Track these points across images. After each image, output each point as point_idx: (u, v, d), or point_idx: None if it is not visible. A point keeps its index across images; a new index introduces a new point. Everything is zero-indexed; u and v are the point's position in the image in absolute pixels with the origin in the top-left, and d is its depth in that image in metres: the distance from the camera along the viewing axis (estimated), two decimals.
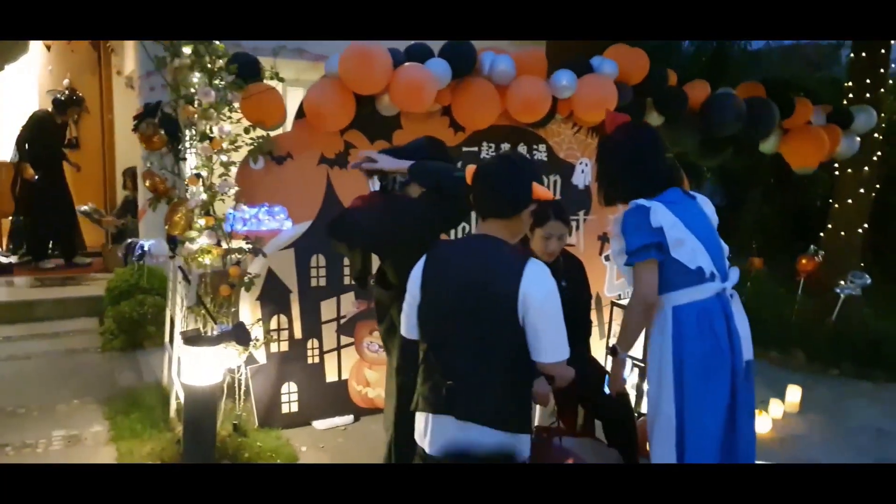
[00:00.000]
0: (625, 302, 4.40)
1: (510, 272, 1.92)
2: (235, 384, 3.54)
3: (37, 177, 6.27)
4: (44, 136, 6.38)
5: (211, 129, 2.98)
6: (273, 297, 3.75)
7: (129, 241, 4.46)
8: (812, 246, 5.91)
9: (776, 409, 4.34)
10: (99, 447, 3.50)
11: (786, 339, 5.60)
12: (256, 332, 3.60)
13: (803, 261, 5.84)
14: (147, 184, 3.47)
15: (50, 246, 6.54)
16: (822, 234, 6.04)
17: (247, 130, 3.38)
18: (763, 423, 4.12)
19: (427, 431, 2.08)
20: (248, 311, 3.70)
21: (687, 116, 4.77)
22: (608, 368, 2.71)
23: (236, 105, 3.31)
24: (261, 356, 3.75)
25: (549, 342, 1.94)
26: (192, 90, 2.92)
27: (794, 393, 4.48)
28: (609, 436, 3.18)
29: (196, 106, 2.91)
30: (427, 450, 2.08)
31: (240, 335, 3.18)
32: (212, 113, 2.93)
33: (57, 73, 7.38)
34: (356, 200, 2.82)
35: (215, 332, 3.21)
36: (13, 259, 6.46)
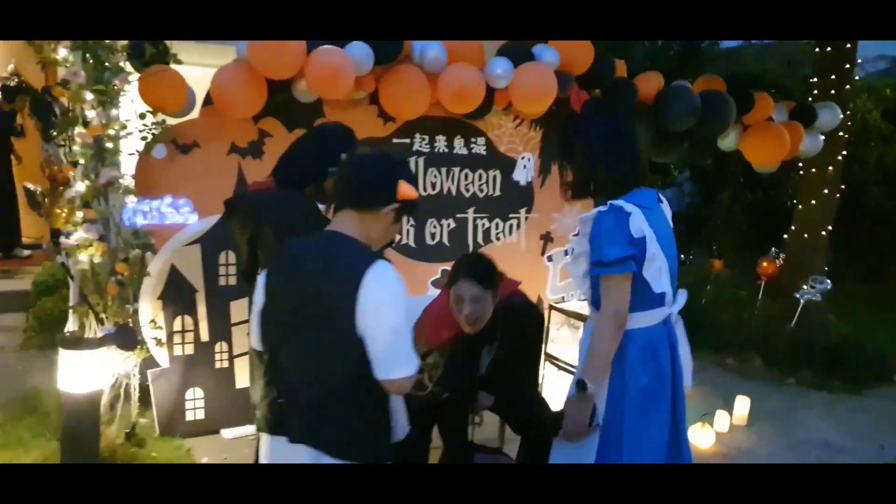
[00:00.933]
0: (567, 305, 4.16)
1: (350, 276, 1.65)
2: (130, 389, 3.28)
3: None
4: None
5: (83, 114, 2.71)
6: (176, 297, 3.48)
7: (55, 231, 4.20)
8: (773, 248, 5.68)
9: (722, 421, 4.11)
10: None
11: (743, 344, 5.38)
12: (155, 333, 3.35)
13: (764, 263, 5.62)
14: (46, 173, 3.22)
15: None
16: (785, 236, 5.81)
17: (142, 116, 3.12)
18: (706, 437, 3.89)
19: (264, 453, 1.85)
20: (150, 310, 3.43)
21: (638, 110, 4.53)
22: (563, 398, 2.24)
23: (129, 88, 3.05)
24: (164, 360, 3.50)
25: (383, 355, 1.66)
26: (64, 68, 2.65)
27: (742, 404, 4.25)
28: (522, 451, 2.96)
29: (65, 88, 2.64)
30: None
31: (123, 338, 2.93)
32: (82, 95, 2.66)
33: (0, 60, 7.08)
34: (257, 184, 2.58)
35: (99, 335, 2.96)
36: None
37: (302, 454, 1.73)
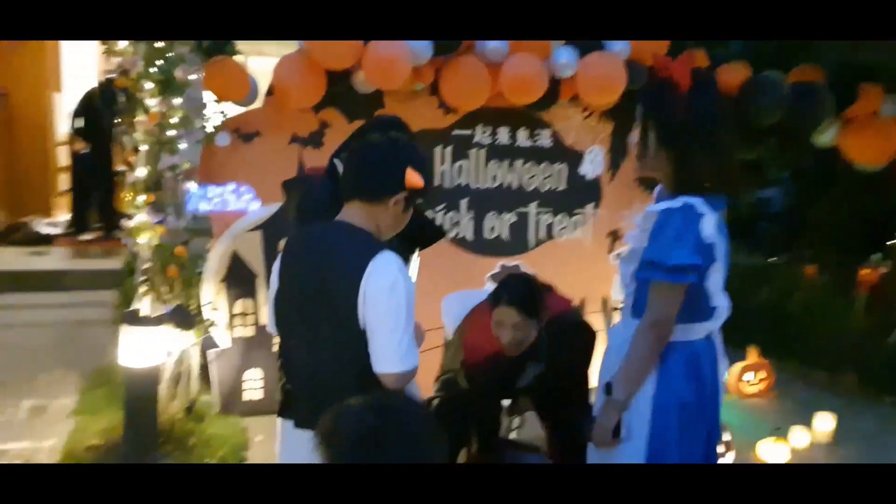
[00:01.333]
0: None
1: (354, 265, 1.64)
2: (190, 367, 3.44)
3: (86, 150, 6.45)
4: (98, 112, 6.56)
5: (143, 102, 2.85)
6: (238, 281, 3.62)
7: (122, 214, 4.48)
8: (877, 254, 5.20)
9: (801, 437, 3.81)
10: (57, 420, 3.51)
11: (836, 358, 4.96)
12: (212, 315, 3.50)
13: (865, 271, 5.14)
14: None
15: (92, 217, 6.75)
16: (889, 242, 5.31)
17: (203, 106, 3.26)
18: (779, 453, 3.62)
19: (278, 435, 1.89)
20: (212, 293, 3.59)
21: (720, 103, 4.26)
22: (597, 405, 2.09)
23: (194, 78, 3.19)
24: (226, 340, 3.65)
25: (380, 347, 1.64)
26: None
27: (824, 421, 3.92)
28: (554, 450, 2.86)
29: (126, 77, 2.79)
30: (279, 459, 1.89)
31: (179, 318, 3.07)
32: (141, 84, 2.80)
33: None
34: (313, 169, 2.60)
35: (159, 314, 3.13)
36: (55, 230, 6.72)
37: (306, 439, 1.69)
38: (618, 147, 4.29)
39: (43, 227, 6.90)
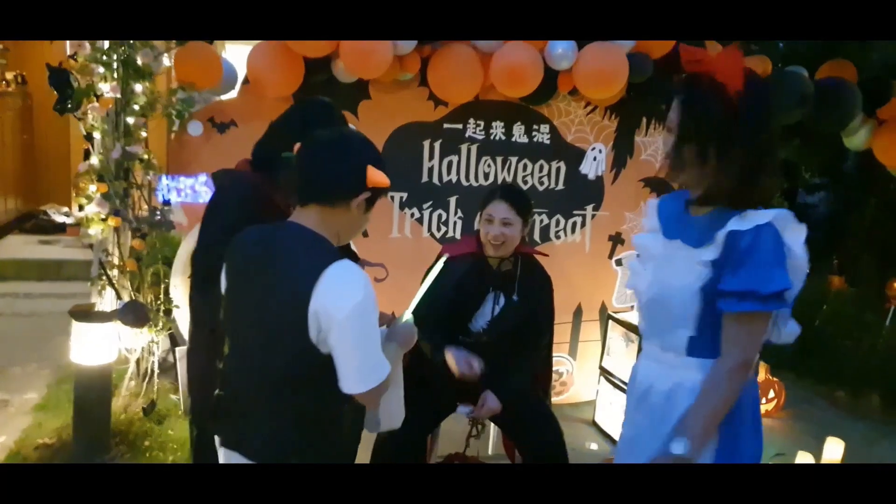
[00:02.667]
0: (626, 316, 3.73)
1: (302, 277, 1.48)
2: (149, 365, 3.30)
3: None
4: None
5: (93, 87, 2.69)
6: None
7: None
8: None
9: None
10: (16, 416, 3.39)
11: (860, 376, 4.60)
12: (181, 312, 3.34)
13: (894, 285, 4.77)
14: None
15: None
16: None
17: (172, 93, 3.10)
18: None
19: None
20: (181, 289, 3.43)
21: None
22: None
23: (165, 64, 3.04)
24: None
25: (354, 369, 1.52)
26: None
27: (833, 448, 3.59)
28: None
29: (75, 60, 2.64)
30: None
31: (131, 314, 2.91)
32: (91, 68, 2.65)
33: None
34: (241, 163, 2.40)
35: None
36: (67, 220, 6.71)
37: (236, 459, 1.62)
38: (623, 144, 4.01)
39: (58, 215, 6.89)
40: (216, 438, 1.69)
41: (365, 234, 3.65)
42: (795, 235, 1.54)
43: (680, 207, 1.72)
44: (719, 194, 1.59)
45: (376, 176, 1.58)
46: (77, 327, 2.89)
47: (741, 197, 1.58)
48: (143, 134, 2.97)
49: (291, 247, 1.55)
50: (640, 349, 1.88)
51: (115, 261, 3.04)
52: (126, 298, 3.02)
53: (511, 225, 2.57)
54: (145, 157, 2.96)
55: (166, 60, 3.17)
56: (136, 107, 2.92)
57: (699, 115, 1.60)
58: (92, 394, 2.96)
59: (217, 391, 1.68)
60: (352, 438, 1.85)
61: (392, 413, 1.81)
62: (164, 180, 3.27)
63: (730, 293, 1.53)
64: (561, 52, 3.45)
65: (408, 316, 1.80)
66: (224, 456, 1.67)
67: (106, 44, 2.78)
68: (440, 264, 1.97)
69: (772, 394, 4.18)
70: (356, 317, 1.48)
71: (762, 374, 4.17)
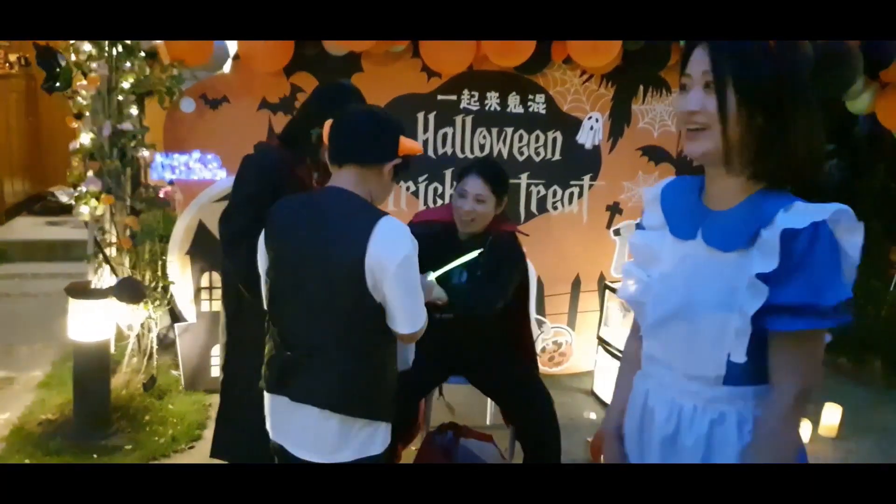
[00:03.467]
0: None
1: (356, 233, 1.63)
2: (149, 341, 3.34)
3: None
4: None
5: (84, 65, 2.70)
6: (204, 253, 3.47)
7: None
8: None
9: (804, 430, 3.49)
10: (21, 393, 3.45)
11: (864, 342, 4.57)
12: (179, 289, 3.38)
13: None
14: None
15: None
16: None
17: (164, 69, 3.09)
18: None
19: (269, 414, 1.84)
20: (178, 265, 3.46)
21: None
22: None
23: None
24: (192, 315, 3.53)
25: (405, 312, 1.69)
26: None
27: (831, 413, 3.59)
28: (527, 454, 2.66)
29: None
30: (272, 436, 1.83)
31: (126, 291, 2.95)
32: (79, 46, 2.64)
33: None
34: (262, 144, 2.50)
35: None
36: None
37: (303, 413, 1.72)
38: (620, 113, 3.97)
39: (65, 196, 6.94)
40: (278, 399, 1.77)
41: None
42: (854, 237, 1.21)
43: (692, 198, 1.37)
44: (780, 171, 1.24)
45: (409, 143, 1.75)
46: (74, 304, 2.92)
47: (808, 175, 1.26)
48: (134, 111, 2.96)
49: (340, 206, 1.68)
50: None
51: (112, 238, 3.06)
52: (122, 275, 3.04)
53: (484, 202, 2.48)
54: (137, 134, 2.95)
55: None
56: (127, 84, 2.90)
57: (737, 67, 1.22)
58: (91, 370, 3.00)
59: (282, 352, 1.75)
60: (395, 379, 1.91)
61: (408, 356, 2.14)
62: (159, 158, 3.29)
63: (783, 308, 1.19)
64: None
65: (432, 276, 2.11)
66: (287, 409, 1.75)
67: None
68: (474, 253, 2.23)
69: None
70: (406, 266, 1.65)
71: None
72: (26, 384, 3.54)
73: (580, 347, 4.09)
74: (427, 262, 2.50)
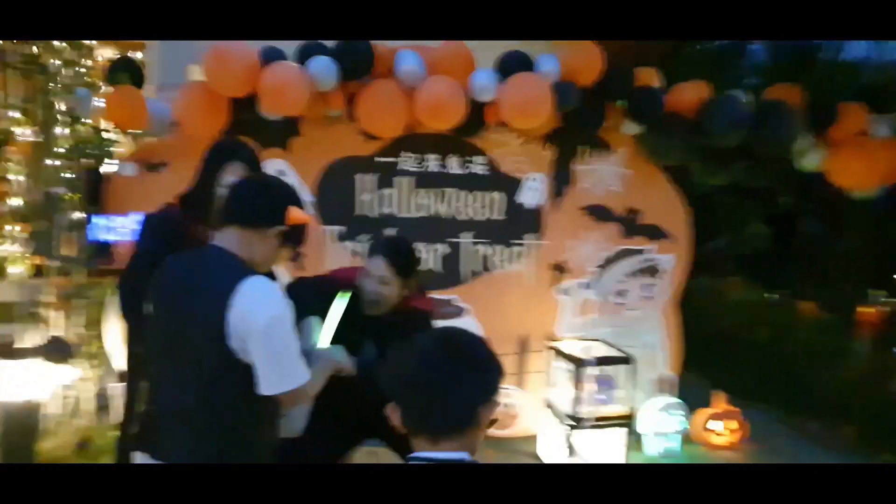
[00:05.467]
0: (564, 345, 3.68)
1: (221, 290, 1.62)
2: (79, 401, 3.35)
3: None
4: None
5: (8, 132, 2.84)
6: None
7: None
8: (880, 291, 4.66)
9: None
10: None
11: (833, 406, 4.42)
12: (113, 349, 3.41)
13: (866, 310, 4.61)
14: None
15: None
16: None
17: (98, 135, 3.24)
18: None
19: None
20: (116, 326, 3.51)
21: (677, 123, 3.95)
22: None
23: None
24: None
25: (271, 373, 1.65)
26: None
27: None
28: None
29: None
30: None
31: (53, 350, 2.99)
32: (2, 113, 2.79)
33: None
34: (167, 205, 2.54)
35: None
36: None
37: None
38: (561, 174, 4.02)
39: None
40: (140, 455, 1.76)
41: (303, 269, 3.70)
42: None
43: None
44: None
45: (297, 213, 1.78)
46: (1, 363, 2.97)
47: None
48: (69, 174, 3.08)
49: (211, 264, 1.71)
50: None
51: (46, 299, 3.13)
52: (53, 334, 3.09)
53: (387, 284, 2.36)
54: (67, 197, 3.06)
55: (97, 103, 3.30)
56: (62, 150, 3.04)
57: None
58: (16, 430, 3.01)
59: (144, 413, 1.77)
60: (270, 444, 1.88)
61: (294, 423, 2.06)
62: (94, 220, 3.38)
63: None
64: (483, 83, 3.51)
65: (323, 346, 2.07)
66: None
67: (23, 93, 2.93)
68: (342, 301, 2.12)
69: (735, 424, 4.04)
70: (273, 326, 1.63)
71: (722, 404, 4.04)
72: None
73: (529, 409, 4.01)
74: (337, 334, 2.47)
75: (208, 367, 1.65)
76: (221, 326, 1.60)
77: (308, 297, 2.36)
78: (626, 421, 3.49)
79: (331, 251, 3.78)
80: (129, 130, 3.38)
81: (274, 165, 3.67)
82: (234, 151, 2.42)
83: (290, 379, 1.69)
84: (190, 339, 1.65)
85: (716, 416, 4.00)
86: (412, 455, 1.41)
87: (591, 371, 3.40)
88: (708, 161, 4.15)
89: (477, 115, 3.66)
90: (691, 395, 4.24)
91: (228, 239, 1.73)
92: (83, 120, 3.18)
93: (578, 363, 3.42)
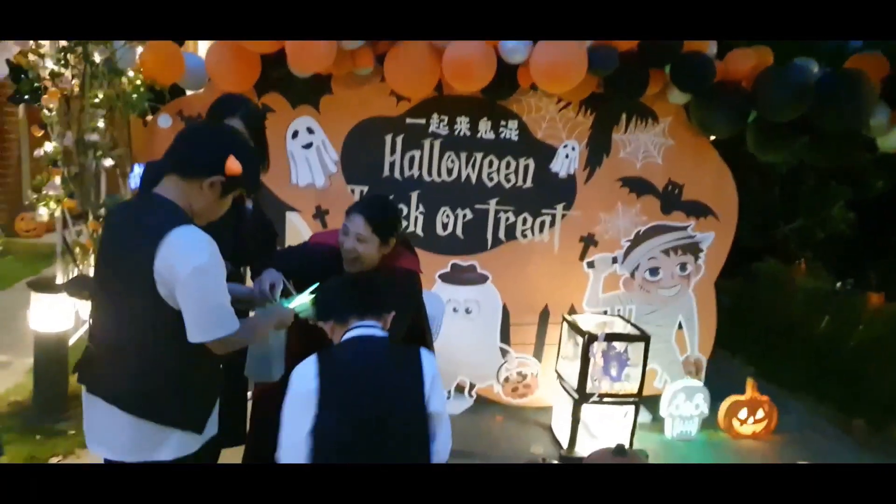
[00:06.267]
0: (579, 318, 3.59)
1: (149, 239, 1.66)
2: None
3: None
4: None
5: (45, 80, 3.00)
6: None
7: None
8: None
9: None
10: (11, 377, 3.81)
11: (887, 405, 4.12)
12: None
13: None
14: None
15: None
16: None
17: (135, 89, 3.37)
18: None
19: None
20: None
21: (729, 94, 3.68)
22: None
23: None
24: None
25: (196, 320, 1.70)
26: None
27: None
28: None
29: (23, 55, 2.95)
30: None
31: (75, 287, 3.20)
32: (37, 61, 2.95)
33: None
34: None
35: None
36: None
37: (100, 405, 1.79)
38: (598, 142, 3.85)
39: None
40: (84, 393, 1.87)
41: (324, 226, 3.77)
42: None
43: None
44: None
45: (232, 164, 1.73)
46: (34, 297, 3.22)
47: None
48: (101, 123, 3.24)
49: (147, 212, 1.73)
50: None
51: (83, 239, 3.34)
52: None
53: (365, 242, 2.32)
54: (101, 145, 3.22)
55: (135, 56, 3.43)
56: (97, 99, 3.19)
57: None
58: (48, 358, 3.29)
59: (87, 347, 1.87)
60: (209, 391, 1.94)
61: (262, 367, 2.19)
62: (137, 168, 3.56)
63: None
64: (512, 45, 3.37)
65: (290, 304, 2.10)
66: (86, 400, 1.85)
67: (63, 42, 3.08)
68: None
69: (762, 413, 3.84)
70: (197, 275, 1.66)
71: (749, 392, 3.84)
72: (19, 369, 3.90)
73: (546, 381, 3.96)
74: (307, 285, 2.50)
75: (139, 311, 1.70)
76: (150, 273, 1.64)
77: (293, 267, 2.41)
78: (636, 400, 3.38)
79: None
80: (164, 85, 3.47)
81: (303, 123, 3.72)
82: (233, 108, 2.47)
83: (217, 328, 1.72)
84: (123, 284, 1.71)
85: (742, 404, 3.81)
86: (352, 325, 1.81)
87: (600, 346, 3.30)
88: (766, 135, 3.85)
89: (509, 78, 3.54)
90: (729, 379, 4.06)
91: (168, 188, 1.74)
92: (123, 71, 3.30)
93: (586, 337, 3.32)
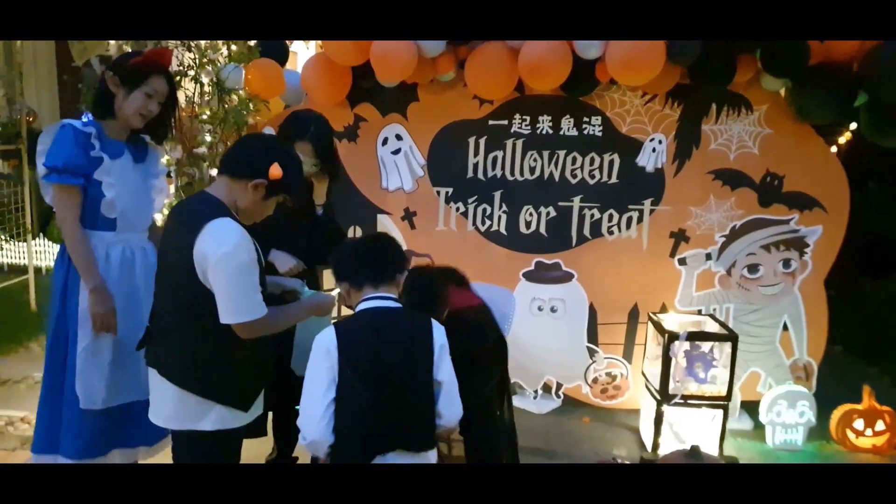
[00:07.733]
0: (665, 318, 3.47)
1: (191, 229, 1.88)
2: None
3: None
4: None
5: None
6: None
7: None
8: None
9: None
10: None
11: None
12: None
13: None
14: None
15: None
16: None
17: (243, 105, 3.74)
18: None
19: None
20: None
21: (829, 77, 3.42)
22: None
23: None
24: None
25: (225, 303, 1.88)
26: None
27: None
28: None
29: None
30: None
31: None
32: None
33: None
34: None
35: None
36: None
37: (155, 377, 2.02)
38: (688, 134, 3.71)
39: None
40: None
41: (412, 227, 3.93)
42: None
43: None
44: None
45: (275, 170, 1.95)
46: None
47: None
48: (208, 137, 3.62)
49: (195, 207, 1.98)
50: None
51: None
52: None
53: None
54: (209, 156, 3.61)
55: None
56: (205, 115, 3.60)
57: None
58: None
59: (148, 326, 2.14)
60: (253, 373, 2.10)
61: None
62: None
63: None
64: (585, 41, 3.37)
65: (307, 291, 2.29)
66: (149, 374, 2.08)
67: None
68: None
69: (883, 426, 3.46)
70: (225, 261, 1.83)
71: (867, 401, 3.48)
72: None
73: (637, 382, 3.83)
74: None
75: (182, 294, 1.92)
76: (191, 259, 1.85)
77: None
78: (723, 403, 3.19)
79: (441, 213, 3.93)
80: (266, 99, 3.82)
81: (392, 130, 3.92)
82: (303, 131, 2.65)
83: (242, 312, 1.88)
84: (171, 269, 1.96)
85: (857, 413, 3.47)
86: (368, 295, 1.96)
87: (682, 346, 3.16)
88: (883, 119, 3.51)
89: (587, 74, 3.54)
90: (845, 387, 3.72)
91: (218, 187, 1.99)
92: (234, 89, 3.68)
93: (667, 336, 3.20)
